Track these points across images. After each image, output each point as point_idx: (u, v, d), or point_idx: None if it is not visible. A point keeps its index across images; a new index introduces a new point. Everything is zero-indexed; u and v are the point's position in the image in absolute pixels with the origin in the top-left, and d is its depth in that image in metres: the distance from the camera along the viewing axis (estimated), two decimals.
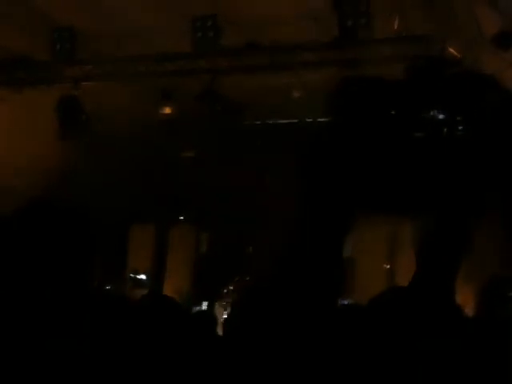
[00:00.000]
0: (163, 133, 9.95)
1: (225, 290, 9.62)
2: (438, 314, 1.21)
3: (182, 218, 12.08)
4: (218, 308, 9.48)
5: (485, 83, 0.97)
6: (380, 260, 10.58)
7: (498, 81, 0.97)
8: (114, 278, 10.18)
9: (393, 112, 0.98)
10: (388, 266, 10.52)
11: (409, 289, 1.22)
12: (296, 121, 10.46)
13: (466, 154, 0.97)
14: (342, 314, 1.78)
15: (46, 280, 1.66)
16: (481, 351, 1.85)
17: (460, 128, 0.96)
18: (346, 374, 1.38)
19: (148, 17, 8.07)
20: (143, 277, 11.42)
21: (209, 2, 7.90)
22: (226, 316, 8.82)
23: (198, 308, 9.86)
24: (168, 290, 11.22)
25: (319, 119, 7.97)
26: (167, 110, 9.33)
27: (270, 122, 10.85)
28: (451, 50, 7.23)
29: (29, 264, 1.67)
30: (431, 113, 0.96)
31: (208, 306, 10.02)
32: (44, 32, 8.42)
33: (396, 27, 7.58)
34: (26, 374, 1.60)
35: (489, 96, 0.97)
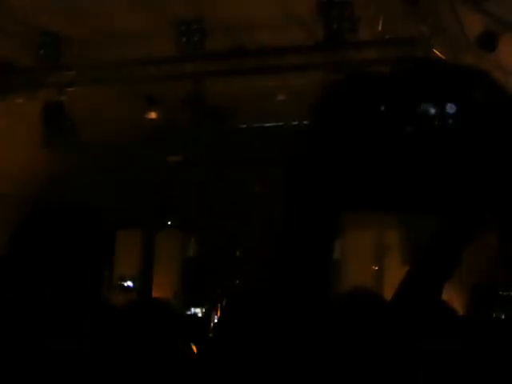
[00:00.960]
0: (149, 138, 9.93)
1: (214, 294, 9.61)
2: (428, 315, 1.21)
3: (169, 222, 12.06)
4: (208, 312, 9.47)
5: (475, 76, 0.96)
6: (368, 262, 10.60)
7: (488, 74, 0.97)
8: (102, 282, 10.09)
9: (382, 112, 0.98)
10: (376, 268, 10.54)
11: (399, 289, 1.22)
12: (283, 124, 10.47)
13: (458, 153, 0.96)
14: (332, 315, 1.77)
15: (39, 284, 1.65)
16: (471, 351, 1.85)
17: (452, 126, 0.96)
18: (338, 377, 1.37)
19: (134, 21, 8.05)
20: (131, 283, 11.37)
21: (195, 5, 7.89)
22: (216, 320, 8.81)
23: (188, 312, 9.84)
24: (157, 294, 11.18)
25: (306, 122, 7.96)
26: (153, 115, 9.31)
27: (257, 125, 10.85)
28: (436, 52, 7.26)
29: (22, 269, 1.67)
30: (422, 111, 0.96)
31: (198, 309, 10.01)
32: (28, 37, 8.37)
33: (380, 29, 7.61)
34: (17, 377, 1.60)
35: (480, 89, 0.96)
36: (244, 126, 10.65)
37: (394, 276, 9.38)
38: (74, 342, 1.63)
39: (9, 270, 1.70)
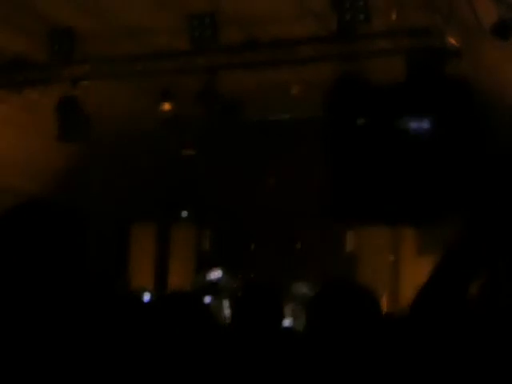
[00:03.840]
0: (163, 131, 9.94)
1: (229, 287, 9.63)
2: (454, 314, 1.20)
3: (183, 216, 12.08)
4: (222, 305, 9.48)
5: (455, 88, 0.95)
6: (383, 254, 10.56)
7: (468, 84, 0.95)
8: (115, 277, 10.17)
9: (382, 114, 0.97)
10: (392, 259, 10.49)
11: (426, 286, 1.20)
12: (296, 117, 10.44)
13: (459, 155, 0.96)
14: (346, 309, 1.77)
15: (37, 282, 1.64)
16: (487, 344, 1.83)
17: (449, 130, 0.95)
18: (355, 370, 1.37)
19: (146, 15, 8.05)
20: (145, 276, 11.41)
21: None
22: (230, 313, 8.82)
23: (203, 305, 9.85)
24: (173, 287, 11.21)
25: (319, 115, 7.92)
26: (167, 108, 9.32)
27: (270, 118, 10.83)
28: (451, 41, 7.20)
29: (19, 265, 1.65)
30: (422, 118, 0.95)
31: (213, 303, 10.02)
32: (41, 32, 8.40)
33: (394, 19, 7.55)
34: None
35: (460, 100, 0.95)
36: (257, 119, 10.63)
37: (409, 267, 9.35)
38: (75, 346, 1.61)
39: None
